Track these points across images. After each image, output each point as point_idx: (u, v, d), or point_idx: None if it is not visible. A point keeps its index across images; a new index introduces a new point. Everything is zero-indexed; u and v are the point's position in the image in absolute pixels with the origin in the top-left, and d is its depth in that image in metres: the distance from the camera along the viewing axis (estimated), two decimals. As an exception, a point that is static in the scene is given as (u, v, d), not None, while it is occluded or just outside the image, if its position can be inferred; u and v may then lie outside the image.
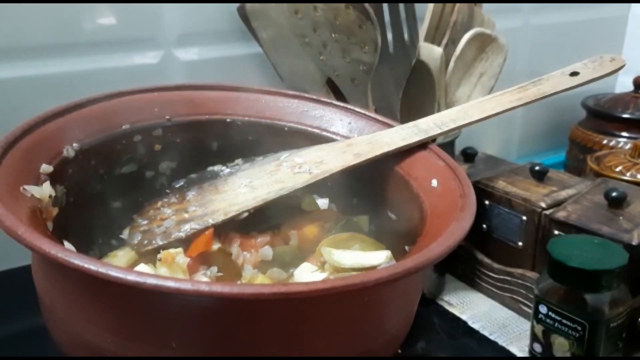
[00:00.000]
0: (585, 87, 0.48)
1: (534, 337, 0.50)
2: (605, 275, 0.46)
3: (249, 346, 0.32)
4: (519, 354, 0.52)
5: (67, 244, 0.37)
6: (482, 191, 0.60)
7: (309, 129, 0.52)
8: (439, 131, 0.47)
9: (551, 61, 0.54)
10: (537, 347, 0.50)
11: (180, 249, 0.43)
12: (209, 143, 0.52)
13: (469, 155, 0.67)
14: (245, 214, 0.45)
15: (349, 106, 0.52)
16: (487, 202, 0.60)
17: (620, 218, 0.52)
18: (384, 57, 0.61)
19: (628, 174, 0.66)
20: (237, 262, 0.45)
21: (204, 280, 0.41)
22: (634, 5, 1.02)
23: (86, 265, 0.29)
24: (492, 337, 0.54)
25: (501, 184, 0.59)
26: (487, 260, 0.60)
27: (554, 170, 0.62)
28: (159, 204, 0.49)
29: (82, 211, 0.45)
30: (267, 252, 0.46)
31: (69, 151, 0.43)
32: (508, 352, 0.52)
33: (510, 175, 0.61)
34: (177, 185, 0.50)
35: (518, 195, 0.58)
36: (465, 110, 0.48)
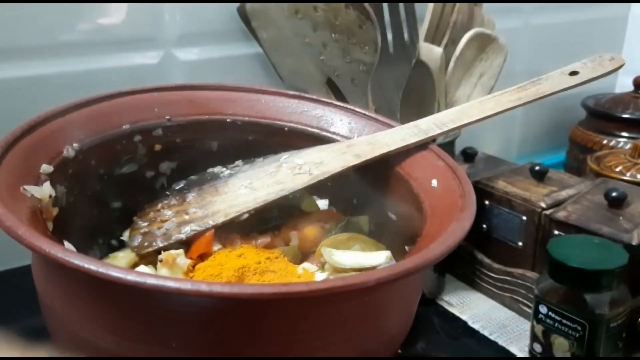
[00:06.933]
0: (585, 87, 0.48)
1: (534, 337, 0.50)
2: (605, 275, 0.46)
3: (249, 346, 0.32)
4: (519, 354, 0.52)
5: (67, 244, 0.38)
6: (482, 191, 0.60)
7: (309, 129, 0.52)
8: (439, 131, 0.47)
9: (551, 61, 0.53)
10: (537, 347, 0.49)
11: (181, 251, 0.43)
12: (209, 143, 0.52)
13: (469, 155, 0.67)
14: (246, 215, 0.45)
15: (349, 106, 0.52)
16: (487, 202, 0.60)
17: (620, 218, 0.52)
18: (384, 57, 0.61)
19: (628, 174, 0.66)
20: (237, 263, 0.45)
21: (204, 281, 0.41)
22: (634, 5, 1.02)
23: (86, 265, 0.29)
24: (492, 337, 0.54)
25: (501, 184, 0.59)
26: (487, 260, 0.60)
27: (554, 170, 0.62)
28: (159, 205, 0.48)
29: (82, 211, 0.45)
30: None
31: (69, 151, 0.43)
32: (508, 352, 0.52)
33: (510, 175, 0.61)
34: (177, 187, 0.50)
35: (518, 195, 0.58)
36: (465, 110, 0.48)
